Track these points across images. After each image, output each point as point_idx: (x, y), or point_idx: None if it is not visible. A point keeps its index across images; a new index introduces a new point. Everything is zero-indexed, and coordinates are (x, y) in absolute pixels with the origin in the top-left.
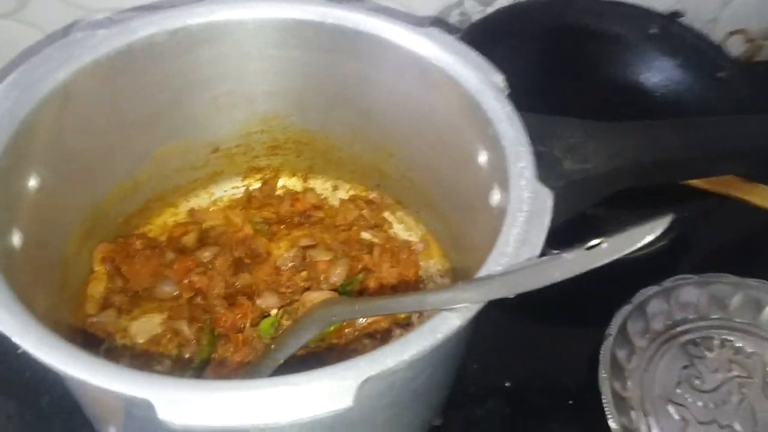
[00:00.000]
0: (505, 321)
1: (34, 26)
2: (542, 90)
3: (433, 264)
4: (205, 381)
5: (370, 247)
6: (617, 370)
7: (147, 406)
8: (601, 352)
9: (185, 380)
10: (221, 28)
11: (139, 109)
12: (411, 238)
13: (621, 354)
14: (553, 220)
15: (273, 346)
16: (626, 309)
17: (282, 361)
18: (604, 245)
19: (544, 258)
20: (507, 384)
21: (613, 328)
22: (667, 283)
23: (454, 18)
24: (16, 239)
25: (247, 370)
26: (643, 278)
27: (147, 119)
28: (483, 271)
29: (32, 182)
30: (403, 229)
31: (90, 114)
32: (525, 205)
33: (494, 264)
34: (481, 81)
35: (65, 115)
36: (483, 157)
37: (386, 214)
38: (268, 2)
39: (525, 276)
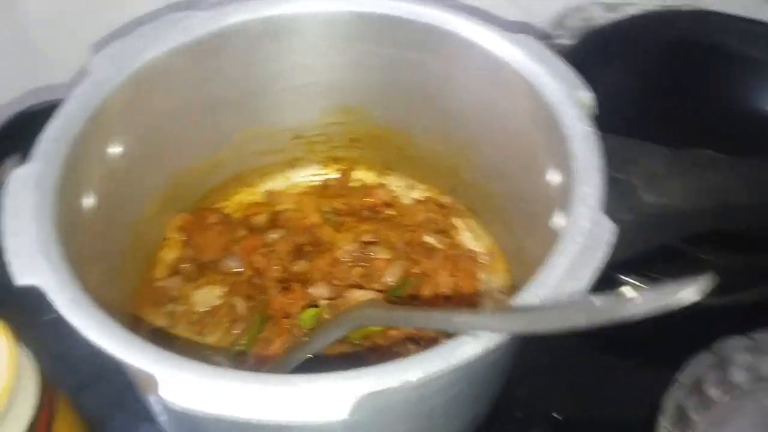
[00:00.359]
0: (563, 348)
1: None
2: (658, 109)
3: (495, 278)
4: (213, 367)
5: (432, 251)
6: (684, 420)
7: (154, 381)
8: (664, 398)
9: (193, 362)
10: (312, 19)
11: (225, 91)
12: (477, 249)
13: (690, 404)
14: (619, 253)
15: (305, 339)
16: (704, 357)
17: (309, 355)
18: (638, 300)
19: (573, 300)
20: (555, 415)
21: (685, 375)
22: (759, 335)
23: (575, 22)
24: (90, 201)
25: (277, 359)
26: (730, 326)
27: (233, 101)
28: (519, 300)
29: (114, 149)
30: (471, 237)
31: (178, 91)
32: (580, 236)
33: (532, 295)
34: (564, 95)
35: (153, 91)
36: (554, 176)
37: (457, 221)
38: None
39: (549, 316)
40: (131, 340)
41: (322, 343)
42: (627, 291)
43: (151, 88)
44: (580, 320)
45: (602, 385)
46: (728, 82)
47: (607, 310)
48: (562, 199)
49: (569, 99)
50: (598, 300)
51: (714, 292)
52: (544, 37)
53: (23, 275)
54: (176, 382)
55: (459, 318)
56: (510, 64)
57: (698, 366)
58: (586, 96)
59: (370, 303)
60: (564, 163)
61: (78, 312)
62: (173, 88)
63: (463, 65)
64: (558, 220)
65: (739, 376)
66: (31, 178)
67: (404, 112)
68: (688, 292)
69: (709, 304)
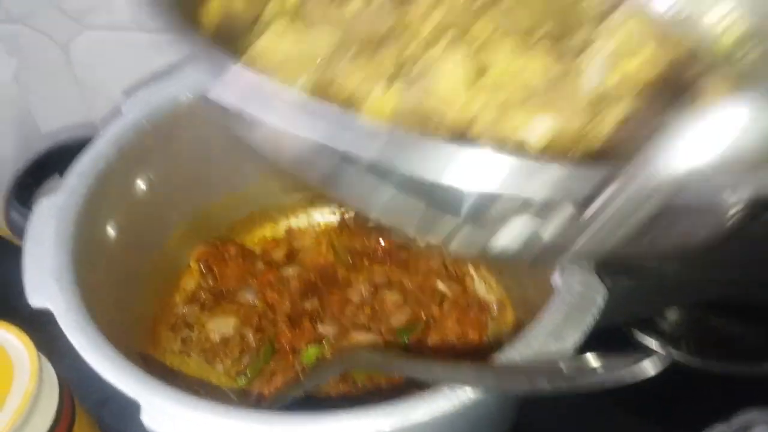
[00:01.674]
0: (576, 400)
1: None
2: None
3: (503, 329)
4: (193, 398)
5: (442, 297)
6: None
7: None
8: None
9: (175, 391)
10: None
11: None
12: (488, 298)
13: None
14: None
15: (302, 377)
16: (719, 429)
17: (302, 393)
18: (600, 370)
19: (543, 365)
20: None
21: None
22: None
23: None
24: (113, 231)
25: (276, 394)
26: (754, 397)
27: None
28: (502, 357)
29: (139, 185)
30: (483, 287)
31: (201, 134)
32: (570, 297)
33: (516, 353)
34: None
35: (178, 133)
36: None
37: (471, 269)
38: None
39: (517, 378)
40: (123, 366)
41: (315, 382)
42: (591, 360)
43: (177, 130)
44: (544, 385)
45: None
46: None
47: (570, 377)
48: None
49: None
50: (564, 366)
51: (740, 361)
52: None
53: (36, 298)
54: (157, 410)
55: (439, 369)
56: None
57: None
58: None
59: (363, 348)
60: None
61: (80, 336)
62: (197, 132)
63: None
64: (556, 280)
65: None
66: (55, 208)
67: None
68: (644, 369)
69: (735, 374)
